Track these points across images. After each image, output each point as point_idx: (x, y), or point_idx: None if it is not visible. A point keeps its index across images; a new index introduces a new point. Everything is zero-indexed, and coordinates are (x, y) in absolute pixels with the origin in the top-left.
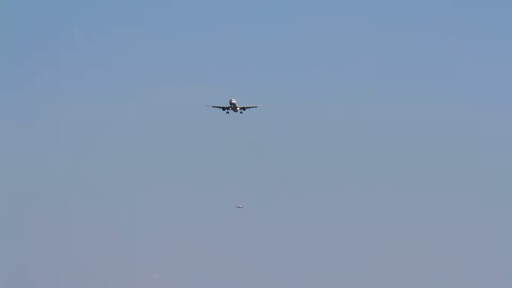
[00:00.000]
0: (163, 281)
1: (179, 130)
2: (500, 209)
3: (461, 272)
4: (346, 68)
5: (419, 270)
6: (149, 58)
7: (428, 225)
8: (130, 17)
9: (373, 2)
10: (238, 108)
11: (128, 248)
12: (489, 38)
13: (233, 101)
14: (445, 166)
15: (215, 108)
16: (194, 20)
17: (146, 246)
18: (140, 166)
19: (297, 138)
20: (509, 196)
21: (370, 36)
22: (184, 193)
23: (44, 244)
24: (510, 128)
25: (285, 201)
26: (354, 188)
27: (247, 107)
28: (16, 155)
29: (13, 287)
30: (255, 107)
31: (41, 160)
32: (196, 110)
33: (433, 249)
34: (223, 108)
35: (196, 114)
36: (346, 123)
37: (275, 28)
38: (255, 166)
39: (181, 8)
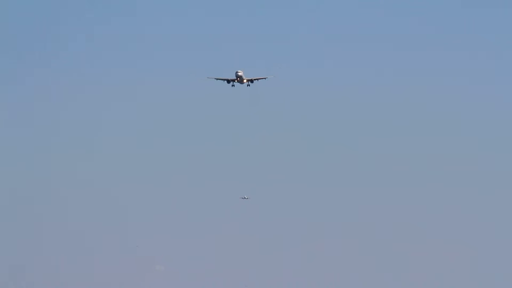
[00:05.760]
0: (166, 273)
1: (180, 111)
2: (500, 208)
3: (461, 272)
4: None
5: (419, 270)
6: (149, 57)
7: (427, 225)
8: (130, 16)
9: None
10: (244, 81)
11: (129, 240)
12: (490, 37)
13: (239, 73)
14: (444, 166)
15: (218, 80)
16: (193, 19)
17: (147, 239)
18: (139, 161)
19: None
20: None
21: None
22: (185, 184)
23: (44, 244)
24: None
25: (294, 191)
26: (358, 178)
27: (255, 79)
28: (16, 155)
29: (13, 287)
30: (264, 78)
31: (40, 160)
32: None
33: (432, 249)
34: (228, 81)
35: (198, 89)
36: (346, 119)
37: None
38: (263, 151)
39: (179, 7)
